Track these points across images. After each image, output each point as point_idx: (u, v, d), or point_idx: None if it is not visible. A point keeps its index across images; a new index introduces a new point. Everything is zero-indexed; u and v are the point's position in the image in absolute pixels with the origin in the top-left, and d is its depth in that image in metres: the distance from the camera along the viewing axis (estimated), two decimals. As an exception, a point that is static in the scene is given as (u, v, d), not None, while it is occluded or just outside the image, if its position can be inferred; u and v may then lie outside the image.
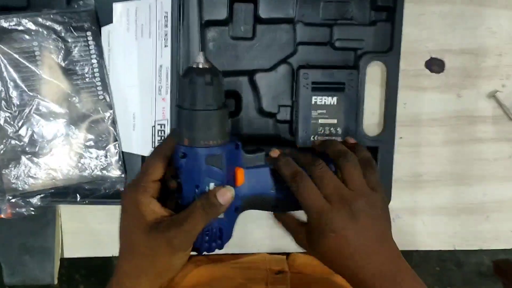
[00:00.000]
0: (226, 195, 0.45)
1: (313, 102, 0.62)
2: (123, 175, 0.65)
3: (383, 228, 0.49)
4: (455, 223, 0.69)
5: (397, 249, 0.49)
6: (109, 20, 0.63)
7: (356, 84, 0.62)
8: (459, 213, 0.69)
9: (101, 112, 0.64)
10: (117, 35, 0.63)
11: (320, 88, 0.62)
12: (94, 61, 0.63)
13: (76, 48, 0.62)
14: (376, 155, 0.64)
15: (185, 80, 0.46)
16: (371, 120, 0.66)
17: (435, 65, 0.66)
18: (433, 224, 0.68)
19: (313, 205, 0.48)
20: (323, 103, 0.62)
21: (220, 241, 0.49)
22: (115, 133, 0.64)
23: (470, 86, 0.66)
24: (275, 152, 0.52)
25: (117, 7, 0.63)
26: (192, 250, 0.49)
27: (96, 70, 0.63)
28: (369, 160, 0.51)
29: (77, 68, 0.62)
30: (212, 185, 0.46)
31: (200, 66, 0.46)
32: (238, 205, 0.50)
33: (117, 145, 0.64)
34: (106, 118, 0.64)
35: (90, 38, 0.63)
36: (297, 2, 0.64)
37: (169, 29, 0.63)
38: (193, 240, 0.46)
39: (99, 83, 0.63)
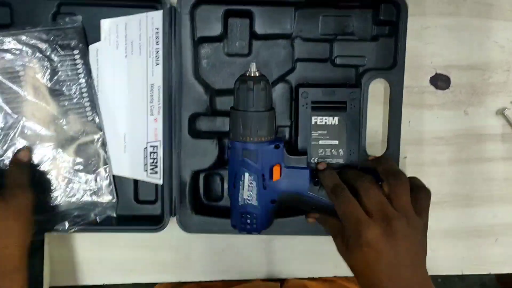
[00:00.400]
0: (23, 153, 0.57)
1: (313, 123, 0.59)
2: (114, 200, 0.62)
3: (419, 253, 0.49)
4: (463, 246, 0.66)
5: (428, 278, 0.48)
6: (97, 37, 0.60)
7: (358, 103, 0.59)
8: (467, 236, 0.65)
9: (90, 134, 0.60)
10: (106, 53, 0.60)
11: (320, 107, 0.59)
12: (82, 80, 0.60)
13: (63, 67, 0.59)
14: (379, 177, 0.60)
15: (234, 85, 0.54)
16: (374, 139, 0.63)
17: (440, 81, 0.63)
18: (440, 248, 0.65)
19: (351, 215, 0.48)
20: (323, 123, 0.59)
21: (255, 225, 0.56)
22: (105, 156, 0.61)
23: (477, 103, 0.63)
24: (322, 165, 0.56)
25: (105, 23, 0.59)
26: (232, 226, 0.57)
27: (84, 90, 0.60)
28: (424, 187, 0.52)
29: (64, 88, 0.59)
30: (246, 175, 0.54)
31: (252, 74, 0.53)
32: (274, 198, 0.56)
33: (107, 168, 0.61)
34: (96, 140, 0.61)
35: (77, 56, 0.59)
36: (294, 16, 0.61)
37: (160, 46, 0.59)
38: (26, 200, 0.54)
39: (87, 104, 0.60)
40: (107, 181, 0.61)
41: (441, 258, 0.66)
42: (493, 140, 0.64)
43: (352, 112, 0.59)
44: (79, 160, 0.60)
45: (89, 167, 0.61)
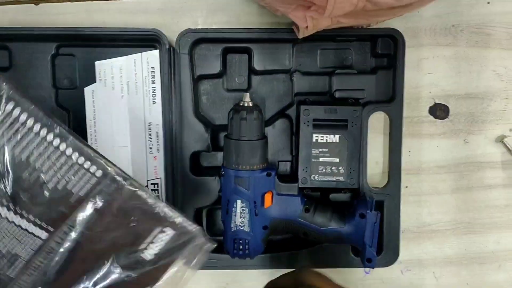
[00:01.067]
0: None
1: (313, 140, 0.59)
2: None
3: None
4: (466, 273, 0.66)
5: None
6: (93, 80, 0.60)
7: (359, 122, 0.58)
8: (471, 263, 0.65)
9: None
10: (102, 94, 0.60)
11: (321, 125, 0.59)
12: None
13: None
14: (382, 209, 0.61)
15: (228, 115, 0.57)
16: (375, 170, 0.63)
17: (439, 110, 0.63)
18: (445, 275, 0.65)
19: None
20: (324, 141, 0.59)
21: (247, 251, 0.58)
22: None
23: (476, 131, 0.64)
24: None
25: (99, 65, 0.59)
26: (225, 252, 0.59)
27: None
28: None
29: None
30: (239, 202, 0.56)
31: (245, 104, 0.55)
32: (266, 224, 0.57)
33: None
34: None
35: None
36: (293, 51, 0.61)
37: (157, 85, 0.59)
38: None
39: (81, 160, 0.47)
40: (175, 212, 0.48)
41: (445, 285, 0.66)
42: (493, 168, 0.64)
43: (353, 130, 0.59)
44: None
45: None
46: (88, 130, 0.60)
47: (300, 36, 0.53)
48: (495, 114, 0.63)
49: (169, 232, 0.46)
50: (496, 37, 0.62)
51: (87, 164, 0.44)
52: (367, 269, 0.65)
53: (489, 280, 0.66)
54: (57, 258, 0.42)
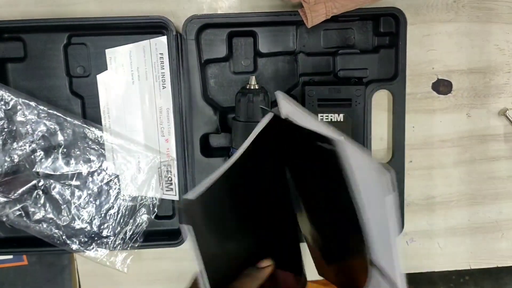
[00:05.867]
0: None
1: (318, 119, 0.61)
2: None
3: None
4: (470, 242, 0.68)
5: None
6: (104, 67, 0.62)
7: (363, 100, 0.60)
8: (474, 233, 0.68)
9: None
10: (114, 81, 0.62)
11: (326, 105, 0.60)
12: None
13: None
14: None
15: (235, 98, 0.57)
16: (380, 146, 0.65)
17: (442, 86, 0.65)
18: (449, 245, 0.68)
19: None
20: (329, 120, 0.61)
21: None
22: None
23: (479, 105, 0.65)
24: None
25: (109, 53, 0.62)
26: None
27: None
28: None
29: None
30: None
31: (251, 87, 0.56)
32: None
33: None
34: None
35: None
36: (296, 32, 0.62)
37: (166, 70, 0.61)
38: None
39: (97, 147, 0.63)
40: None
41: (449, 254, 0.68)
42: (496, 140, 0.66)
43: (357, 108, 0.60)
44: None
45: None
46: (102, 116, 0.63)
47: (309, 25, 0.55)
48: (498, 88, 0.65)
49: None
50: (498, 11, 0.63)
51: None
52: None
53: (491, 248, 0.68)
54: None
